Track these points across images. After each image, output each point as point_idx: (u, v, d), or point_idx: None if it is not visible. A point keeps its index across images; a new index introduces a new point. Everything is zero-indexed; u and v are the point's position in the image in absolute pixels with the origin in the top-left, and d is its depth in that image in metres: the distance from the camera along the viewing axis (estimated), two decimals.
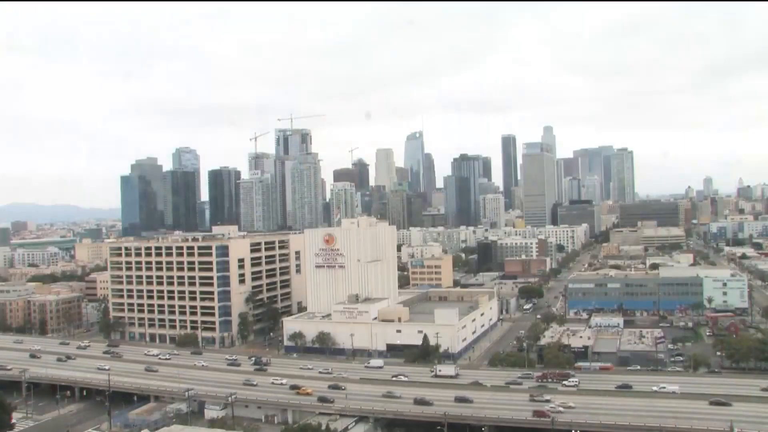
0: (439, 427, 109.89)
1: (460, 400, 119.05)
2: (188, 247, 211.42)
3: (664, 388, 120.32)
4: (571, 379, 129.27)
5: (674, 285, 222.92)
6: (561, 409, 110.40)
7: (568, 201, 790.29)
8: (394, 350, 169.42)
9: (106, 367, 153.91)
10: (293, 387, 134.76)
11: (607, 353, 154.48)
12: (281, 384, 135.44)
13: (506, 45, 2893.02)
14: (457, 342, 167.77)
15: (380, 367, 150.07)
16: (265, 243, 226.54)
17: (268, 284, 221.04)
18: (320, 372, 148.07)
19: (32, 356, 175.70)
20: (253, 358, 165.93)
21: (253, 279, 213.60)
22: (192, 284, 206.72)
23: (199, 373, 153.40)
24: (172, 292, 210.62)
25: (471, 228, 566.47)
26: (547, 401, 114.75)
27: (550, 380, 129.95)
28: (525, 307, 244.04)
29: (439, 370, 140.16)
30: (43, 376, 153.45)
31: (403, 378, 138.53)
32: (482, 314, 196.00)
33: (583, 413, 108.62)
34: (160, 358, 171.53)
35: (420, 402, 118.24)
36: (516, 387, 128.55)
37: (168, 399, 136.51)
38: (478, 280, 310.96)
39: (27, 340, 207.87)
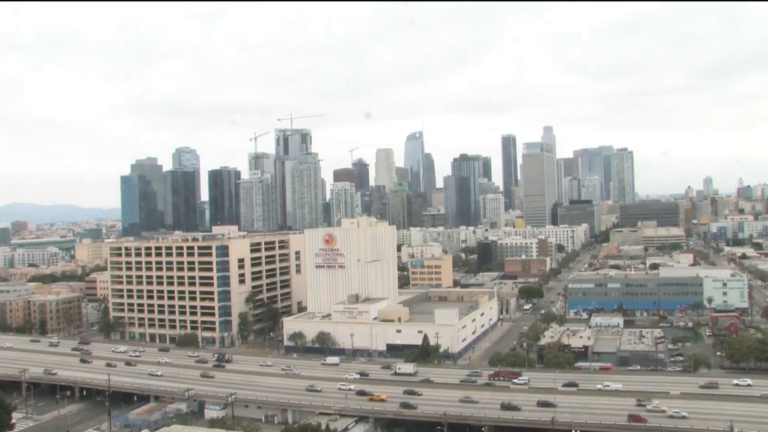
0: (439, 427, 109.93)
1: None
2: (188, 247, 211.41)
3: (608, 386, 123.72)
4: (521, 378, 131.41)
5: (674, 285, 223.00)
6: (668, 411, 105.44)
7: (568, 201, 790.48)
8: (394, 350, 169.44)
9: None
10: (360, 393, 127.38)
11: (607, 353, 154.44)
12: (349, 390, 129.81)
13: (506, 45, 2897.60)
14: (457, 342, 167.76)
15: (336, 364, 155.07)
16: (265, 243, 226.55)
17: (268, 284, 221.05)
18: (283, 369, 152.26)
19: (83, 361, 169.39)
20: (216, 355, 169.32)
21: (253, 279, 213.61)
22: (192, 284, 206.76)
23: (161, 368, 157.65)
24: (172, 292, 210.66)
25: (471, 228, 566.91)
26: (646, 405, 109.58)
27: (500, 378, 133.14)
28: (525, 307, 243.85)
29: (399, 368, 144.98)
30: (43, 376, 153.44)
31: (355, 375, 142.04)
32: (482, 314, 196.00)
33: (583, 413, 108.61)
34: (130, 356, 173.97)
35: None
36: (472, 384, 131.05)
37: (168, 399, 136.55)
38: (478, 280, 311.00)
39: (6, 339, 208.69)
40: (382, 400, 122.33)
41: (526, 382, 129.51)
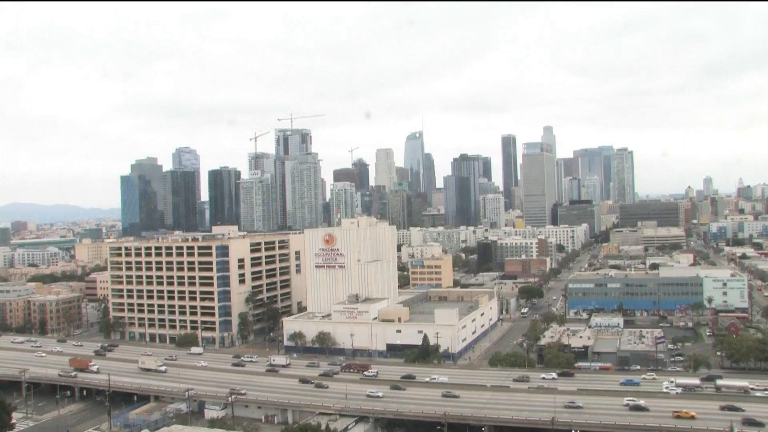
0: (439, 427, 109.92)
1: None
2: (188, 247, 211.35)
3: (435, 378, 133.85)
4: (370, 370, 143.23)
5: (674, 285, 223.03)
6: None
7: (568, 201, 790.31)
8: (394, 350, 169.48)
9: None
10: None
11: (607, 353, 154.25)
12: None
13: (506, 45, 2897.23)
14: (457, 342, 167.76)
15: (199, 353, 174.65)
16: (265, 243, 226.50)
17: (268, 284, 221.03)
18: (167, 359, 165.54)
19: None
20: (99, 345, 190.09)
21: (253, 279, 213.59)
22: (192, 284, 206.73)
23: (101, 361, 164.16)
24: (172, 292, 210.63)
25: (471, 228, 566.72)
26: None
27: (352, 371, 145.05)
28: (523, 311, 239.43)
29: (274, 360, 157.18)
30: (43, 376, 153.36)
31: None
32: (482, 314, 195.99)
33: (582, 413, 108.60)
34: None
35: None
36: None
37: (168, 399, 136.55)
38: (478, 280, 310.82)
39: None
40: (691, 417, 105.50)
41: (375, 374, 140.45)
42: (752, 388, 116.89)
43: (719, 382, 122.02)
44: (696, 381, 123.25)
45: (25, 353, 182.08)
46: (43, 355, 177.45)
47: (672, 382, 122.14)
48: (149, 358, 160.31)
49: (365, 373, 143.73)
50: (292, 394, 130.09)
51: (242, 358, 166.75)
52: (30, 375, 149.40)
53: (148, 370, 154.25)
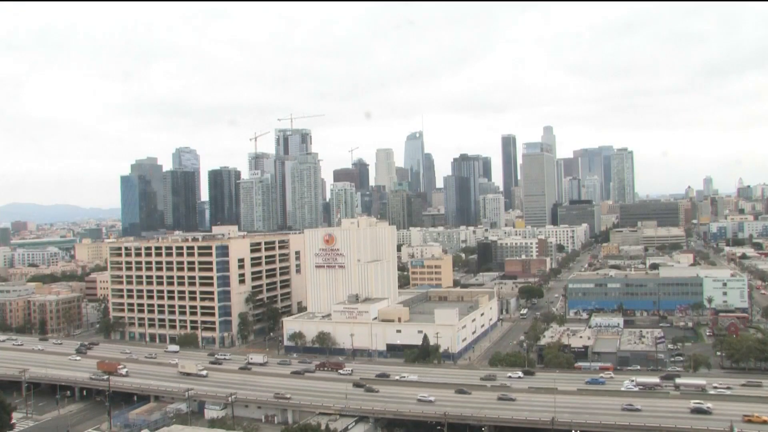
0: (439, 427, 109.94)
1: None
2: (188, 247, 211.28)
3: (405, 377, 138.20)
4: (345, 369, 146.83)
5: (674, 285, 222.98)
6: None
7: (568, 201, 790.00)
8: (394, 350, 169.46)
9: None
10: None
11: (607, 353, 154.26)
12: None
13: (506, 45, 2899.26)
14: (457, 342, 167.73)
15: (176, 351, 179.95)
16: (265, 243, 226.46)
17: (268, 284, 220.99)
18: (146, 357, 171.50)
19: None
20: (79, 343, 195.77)
21: (253, 279, 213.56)
22: (192, 284, 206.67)
23: (27, 355, 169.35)
24: (172, 292, 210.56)
25: (471, 228, 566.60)
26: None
27: (325, 369, 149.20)
28: (522, 312, 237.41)
29: (251, 358, 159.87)
30: (43, 376, 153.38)
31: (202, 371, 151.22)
32: (482, 314, 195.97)
33: (583, 413, 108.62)
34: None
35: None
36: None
37: (168, 399, 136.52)
38: (478, 280, 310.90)
39: None
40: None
41: (350, 373, 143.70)
42: (715, 386, 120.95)
43: (678, 380, 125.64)
44: (656, 380, 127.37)
45: (50, 356, 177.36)
46: (78, 358, 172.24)
47: (632, 381, 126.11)
48: (189, 362, 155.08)
49: (340, 371, 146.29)
50: (291, 394, 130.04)
51: (216, 356, 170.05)
52: (30, 375, 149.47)
53: (188, 374, 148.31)
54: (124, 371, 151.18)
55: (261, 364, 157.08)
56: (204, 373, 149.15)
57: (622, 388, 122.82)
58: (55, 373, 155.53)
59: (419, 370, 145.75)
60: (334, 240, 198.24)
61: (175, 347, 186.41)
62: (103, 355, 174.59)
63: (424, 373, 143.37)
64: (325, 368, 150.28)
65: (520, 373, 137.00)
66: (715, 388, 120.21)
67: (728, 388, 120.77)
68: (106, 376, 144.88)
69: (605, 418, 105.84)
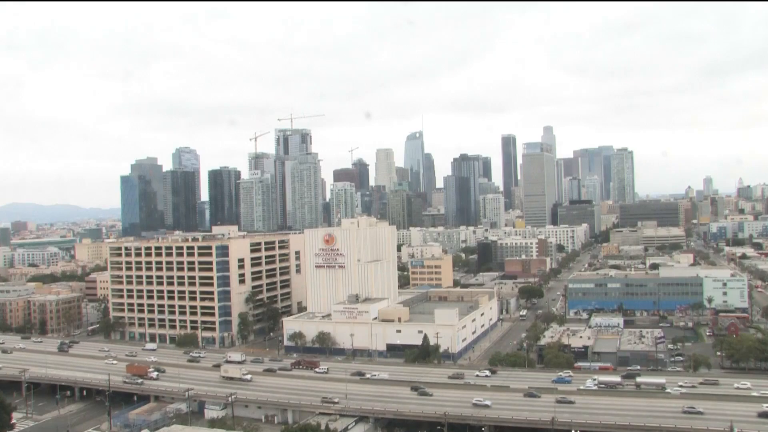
0: (439, 427, 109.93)
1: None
2: (188, 247, 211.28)
3: (376, 375, 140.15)
4: (321, 367, 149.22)
5: (674, 285, 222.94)
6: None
7: (568, 201, 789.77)
8: (394, 350, 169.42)
9: None
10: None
11: (607, 353, 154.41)
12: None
13: (506, 45, 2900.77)
14: (457, 342, 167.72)
15: (153, 350, 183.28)
16: (265, 243, 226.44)
17: (268, 284, 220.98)
18: (126, 356, 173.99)
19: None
20: (60, 341, 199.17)
21: (253, 279, 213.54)
22: (192, 284, 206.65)
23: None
24: (172, 292, 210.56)
25: (471, 228, 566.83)
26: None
27: (301, 367, 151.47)
28: (521, 314, 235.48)
29: (229, 357, 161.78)
30: (43, 376, 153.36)
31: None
32: (482, 314, 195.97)
33: (582, 413, 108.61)
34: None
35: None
36: None
37: (168, 399, 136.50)
38: (478, 280, 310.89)
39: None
40: None
41: (326, 371, 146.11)
42: (680, 385, 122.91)
43: (638, 379, 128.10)
44: (617, 378, 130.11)
45: (87, 359, 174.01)
46: (114, 362, 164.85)
47: (594, 380, 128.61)
48: (233, 366, 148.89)
49: (316, 370, 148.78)
50: (292, 394, 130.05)
51: (192, 354, 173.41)
52: (30, 375, 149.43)
53: (231, 378, 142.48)
54: (154, 374, 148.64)
55: (238, 362, 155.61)
56: (248, 377, 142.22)
57: (584, 387, 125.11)
58: (54, 372, 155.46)
59: (399, 370, 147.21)
60: (334, 240, 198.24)
61: (152, 345, 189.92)
62: (83, 353, 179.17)
63: (423, 373, 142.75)
64: (301, 366, 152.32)
65: (487, 372, 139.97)
66: (677, 387, 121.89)
67: (693, 386, 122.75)
68: (139, 380, 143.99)
69: (605, 418, 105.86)
